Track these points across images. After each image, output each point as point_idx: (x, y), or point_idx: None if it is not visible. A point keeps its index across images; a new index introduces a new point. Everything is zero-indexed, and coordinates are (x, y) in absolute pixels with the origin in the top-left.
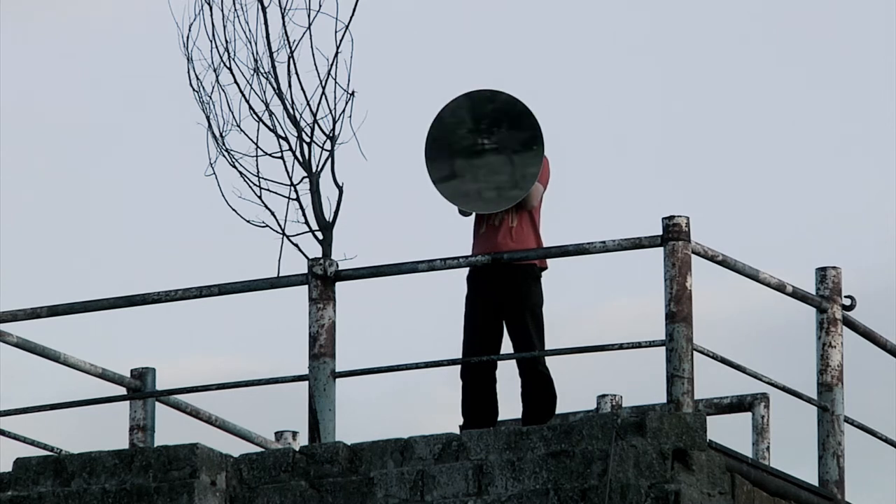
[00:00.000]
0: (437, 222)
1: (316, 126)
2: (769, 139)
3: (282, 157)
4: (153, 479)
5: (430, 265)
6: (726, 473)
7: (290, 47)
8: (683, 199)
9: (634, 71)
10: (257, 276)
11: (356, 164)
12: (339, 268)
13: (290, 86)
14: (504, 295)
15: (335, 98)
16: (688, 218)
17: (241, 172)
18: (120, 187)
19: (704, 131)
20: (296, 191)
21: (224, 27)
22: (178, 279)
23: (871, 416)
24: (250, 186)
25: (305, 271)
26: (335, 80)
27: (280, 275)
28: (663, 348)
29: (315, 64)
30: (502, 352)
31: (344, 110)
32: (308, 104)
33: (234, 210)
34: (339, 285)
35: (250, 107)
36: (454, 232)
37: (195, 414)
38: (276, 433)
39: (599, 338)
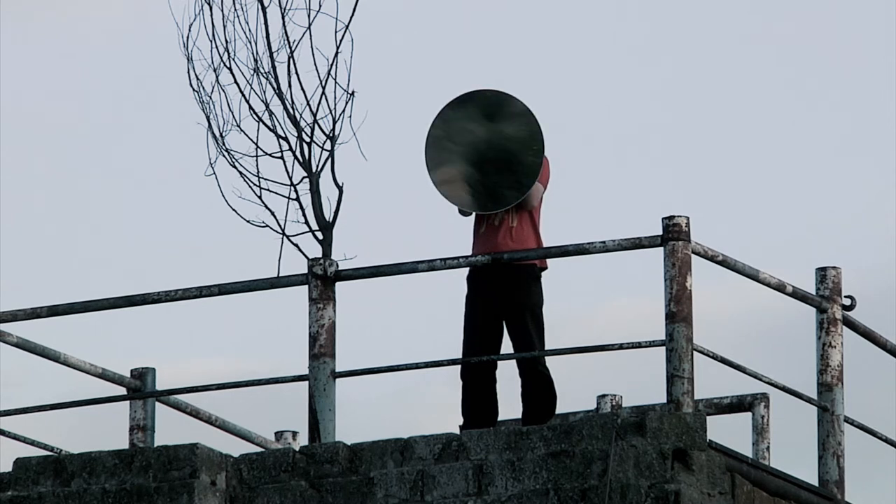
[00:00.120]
0: (437, 222)
1: (316, 126)
2: (769, 139)
3: (282, 157)
4: (153, 479)
5: (430, 265)
6: (726, 473)
7: (290, 47)
8: (683, 199)
9: (634, 71)
10: (257, 276)
11: (356, 164)
12: (339, 268)
13: (290, 86)
14: (504, 295)
15: (335, 98)
16: (688, 218)
17: (241, 172)
18: (120, 187)
19: (704, 131)
20: (296, 191)
21: (224, 27)
22: (178, 279)
23: (871, 416)
24: (250, 186)
25: (305, 271)
26: (335, 80)
27: (280, 275)
28: (663, 348)
29: (315, 64)
30: (502, 352)
31: (344, 110)
32: (308, 104)
33: (234, 210)
34: (339, 285)
35: (250, 107)
36: (454, 232)
37: (195, 414)
38: (276, 433)
39: (599, 338)
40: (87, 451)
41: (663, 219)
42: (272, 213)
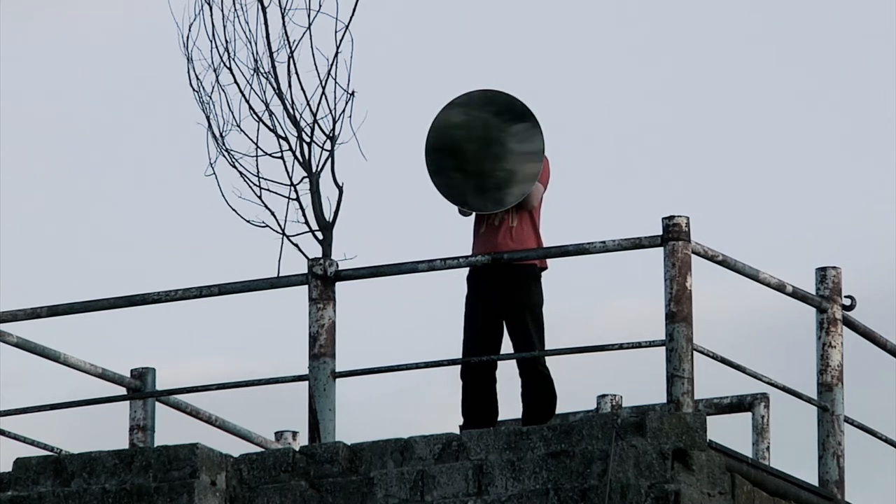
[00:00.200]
0: (437, 222)
1: (316, 126)
2: (769, 139)
3: (282, 157)
4: (153, 479)
5: (430, 265)
6: (726, 473)
7: (290, 47)
8: (683, 199)
9: (634, 71)
10: (257, 276)
11: (356, 164)
12: (339, 268)
13: (290, 86)
14: (504, 295)
15: (335, 98)
16: (688, 218)
17: (241, 172)
18: (120, 187)
19: (704, 131)
20: (296, 191)
21: (224, 27)
22: (178, 279)
23: (871, 416)
24: (250, 186)
25: (305, 271)
26: (335, 80)
27: (280, 275)
28: (663, 348)
29: (315, 64)
30: (502, 352)
31: (344, 110)
32: (308, 104)
33: (234, 210)
34: (339, 285)
35: (250, 107)
36: (454, 232)
37: (195, 414)
38: (276, 433)
39: (599, 338)
40: (87, 451)
41: (663, 219)
42: (272, 213)
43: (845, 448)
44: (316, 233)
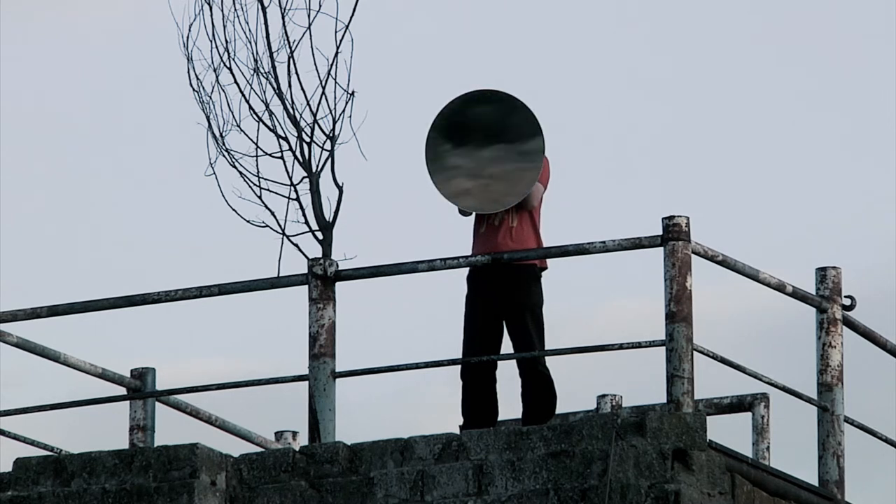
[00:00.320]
0: (437, 222)
1: (316, 126)
2: (769, 139)
3: (282, 157)
4: (153, 479)
5: (430, 265)
6: (726, 473)
7: (290, 47)
8: (683, 199)
9: (634, 71)
10: (257, 276)
11: (356, 164)
12: (339, 268)
13: (290, 86)
14: (504, 295)
15: (335, 98)
16: (688, 218)
17: (241, 172)
18: (120, 187)
19: (704, 131)
20: (296, 191)
21: (224, 27)
22: (178, 279)
23: (871, 416)
24: (250, 186)
25: (305, 271)
26: (335, 80)
27: (280, 275)
28: (663, 348)
29: (315, 64)
30: (502, 352)
31: (344, 110)
32: (308, 104)
33: (234, 210)
34: (339, 285)
35: (250, 107)
36: (454, 232)
37: (195, 414)
38: (276, 433)
39: (599, 338)
40: (87, 451)
41: (663, 219)
42: (272, 213)
43: (845, 448)
44: (316, 233)
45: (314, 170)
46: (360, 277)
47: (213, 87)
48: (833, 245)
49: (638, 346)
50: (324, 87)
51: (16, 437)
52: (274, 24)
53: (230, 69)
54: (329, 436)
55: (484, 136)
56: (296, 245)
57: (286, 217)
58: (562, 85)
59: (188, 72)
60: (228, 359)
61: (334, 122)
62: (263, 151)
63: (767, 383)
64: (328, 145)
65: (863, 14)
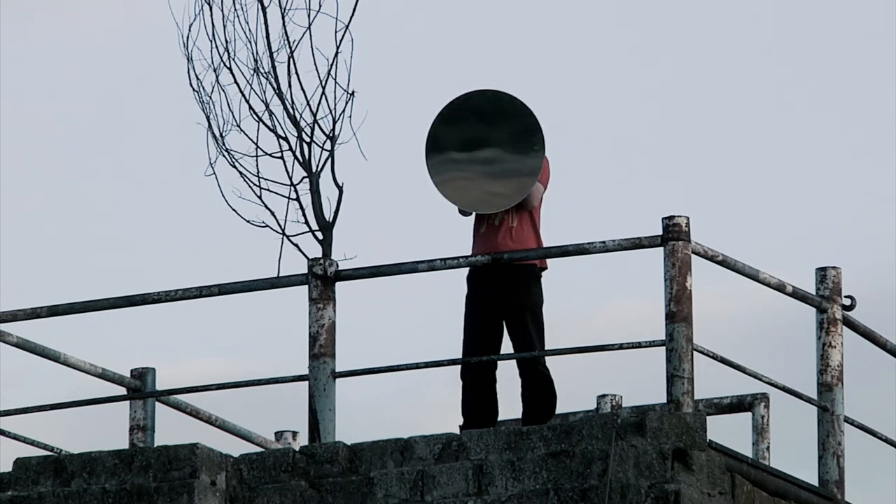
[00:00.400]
0: (437, 222)
1: (316, 126)
2: (769, 139)
3: (282, 157)
4: (153, 479)
5: (430, 265)
6: (726, 473)
7: (290, 47)
8: (683, 199)
9: (634, 71)
10: (257, 276)
11: (356, 164)
12: (339, 268)
13: (290, 86)
14: (504, 295)
15: (335, 98)
16: (688, 218)
17: (241, 172)
18: (120, 187)
19: (704, 131)
20: (296, 191)
21: (224, 27)
22: (178, 279)
23: (871, 416)
24: (250, 186)
25: (305, 271)
26: (335, 80)
27: (280, 275)
28: (663, 348)
29: (315, 64)
30: (502, 352)
31: (344, 110)
32: (308, 104)
33: (234, 210)
34: (339, 285)
35: (250, 107)
36: (454, 232)
37: (195, 414)
38: (276, 433)
39: (599, 338)
40: (87, 451)
41: (663, 219)
42: (272, 213)
43: (845, 448)
44: (316, 233)
45: (314, 170)
46: (360, 277)
47: (213, 87)
48: (833, 245)
49: (638, 346)
50: (324, 87)
51: (16, 437)
52: (274, 24)
53: (230, 69)
54: (329, 436)
55: (484, 136)
56: (296, 245)
57: (286, 217)
58: (562, 85)
59: (188, 72)
60: (228, 359)
61: (334, 122)
62: (263, 151)
63: (767, 383)
64: (328, 145)
65: (863, 14)
